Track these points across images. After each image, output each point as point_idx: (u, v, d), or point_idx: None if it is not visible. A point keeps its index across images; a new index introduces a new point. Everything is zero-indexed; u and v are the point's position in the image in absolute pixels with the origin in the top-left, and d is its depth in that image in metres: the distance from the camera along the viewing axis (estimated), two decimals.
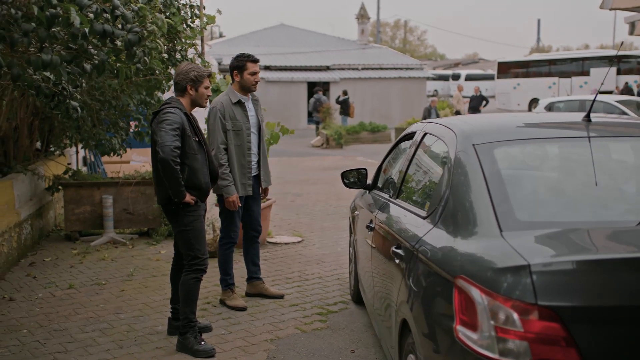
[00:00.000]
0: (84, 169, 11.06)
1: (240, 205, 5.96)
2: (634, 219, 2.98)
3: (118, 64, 4.27)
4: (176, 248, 5.38)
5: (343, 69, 32.88)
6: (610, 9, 15.30)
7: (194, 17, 7.30)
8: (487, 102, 25.36)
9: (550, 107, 15.93)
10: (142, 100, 7.64)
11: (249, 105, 6.05)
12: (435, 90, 53.29)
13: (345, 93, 25.97)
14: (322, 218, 10.19)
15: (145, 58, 5.55)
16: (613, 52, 35.57)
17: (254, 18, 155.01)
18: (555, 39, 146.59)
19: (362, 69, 32.61)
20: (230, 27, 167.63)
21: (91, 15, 3.70)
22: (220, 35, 62.76)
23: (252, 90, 6.06)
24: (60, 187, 8.68)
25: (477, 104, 25.03)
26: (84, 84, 4.75)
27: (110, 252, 7.97)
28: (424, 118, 23.70)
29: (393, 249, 3.70)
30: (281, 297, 6.29)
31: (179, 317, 5.17)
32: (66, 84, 4.63)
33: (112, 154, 8.49)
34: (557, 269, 2.51)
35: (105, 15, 3.90)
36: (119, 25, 3.85)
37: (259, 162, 6.13)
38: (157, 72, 7.49)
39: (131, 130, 8.58)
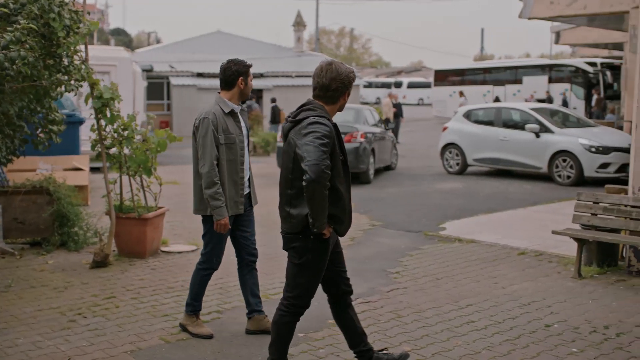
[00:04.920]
0: None
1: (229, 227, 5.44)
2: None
3: None
4: (324, 282, 4.64)
5: (277, 76, 32.88)
6: (529, 19, 15.65)
7: (77, 23, 7.16)
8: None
9: (468, 115, 16.08)
10: (25, 107, 7.45)
11: (241, 116, 5.54)
12: (378, 98, 53.47)
13: (273, 100, 25.94)
14: None
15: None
16: (545, 61, 36.43)
17: (194, 25, 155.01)
18: (499, 48, 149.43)
19: (296, 76, 32.65)
20: (169, 34, 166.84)
21: None
22: (157, 42, 62.15)
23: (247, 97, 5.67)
24: None
25: (400, 111, 25.63)
26: None
27: None
28: None
29: None
30: None
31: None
32: None
33: None
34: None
35: None
36: None
37: (249, 178, 5.61)
38: (43, 79, 7.35)
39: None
